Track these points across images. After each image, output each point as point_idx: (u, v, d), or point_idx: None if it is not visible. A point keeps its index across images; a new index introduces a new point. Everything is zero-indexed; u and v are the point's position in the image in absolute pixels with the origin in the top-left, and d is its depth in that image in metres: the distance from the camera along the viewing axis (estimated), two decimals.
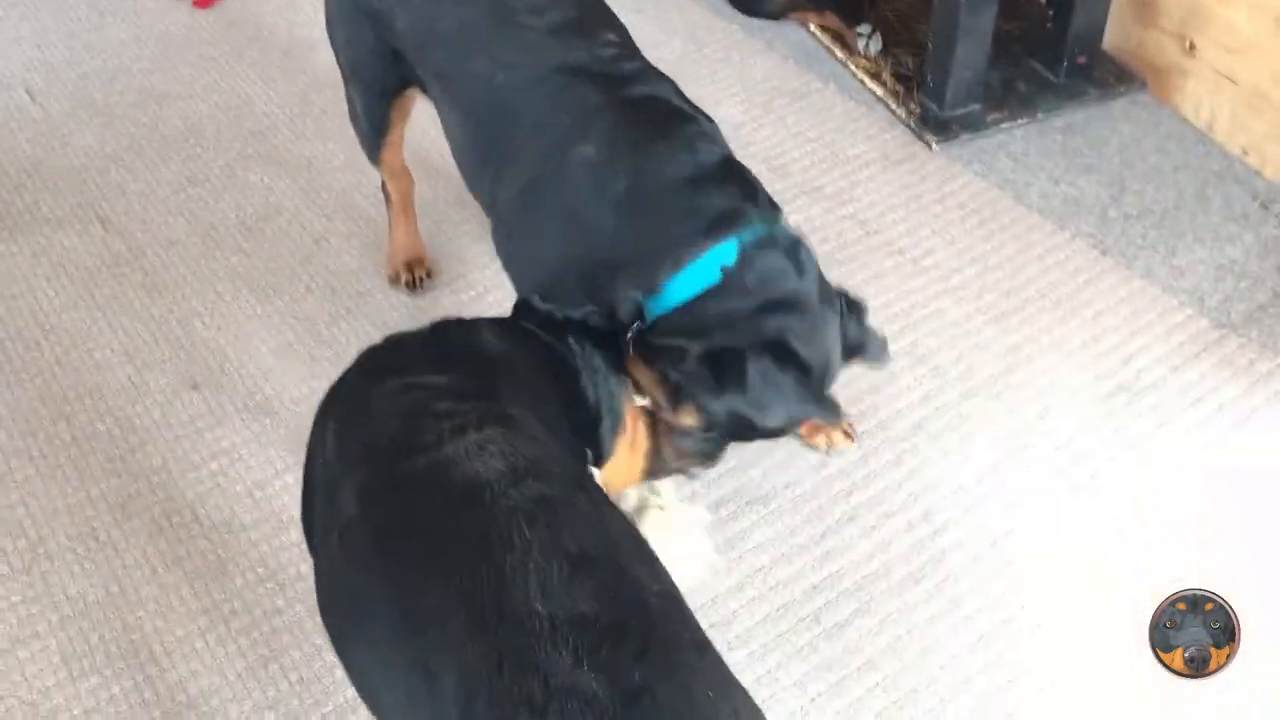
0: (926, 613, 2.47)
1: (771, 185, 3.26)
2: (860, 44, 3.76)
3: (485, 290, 3.04)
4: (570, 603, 1.47)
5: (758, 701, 2.30)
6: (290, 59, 3.81)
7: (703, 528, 2.26)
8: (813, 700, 2.35)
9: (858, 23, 3.78)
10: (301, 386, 2.87)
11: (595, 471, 2.02)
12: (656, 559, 1.66)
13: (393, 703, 1.60)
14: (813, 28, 3.89)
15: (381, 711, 1.66)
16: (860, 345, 2.27)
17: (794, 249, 2.17)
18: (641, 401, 2.14)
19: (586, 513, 1.65)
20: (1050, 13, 3.64)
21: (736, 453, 2.70)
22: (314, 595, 2.47)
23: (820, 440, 2.71)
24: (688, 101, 2.34)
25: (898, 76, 3.68)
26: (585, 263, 2.22)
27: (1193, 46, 3.46)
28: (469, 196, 2.55)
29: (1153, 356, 2.91)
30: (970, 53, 3.46)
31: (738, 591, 2.49)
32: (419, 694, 1.52)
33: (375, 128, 2.84)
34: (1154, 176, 3.38)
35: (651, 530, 2.11)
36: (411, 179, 2.99)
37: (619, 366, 2.11)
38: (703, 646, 1.54)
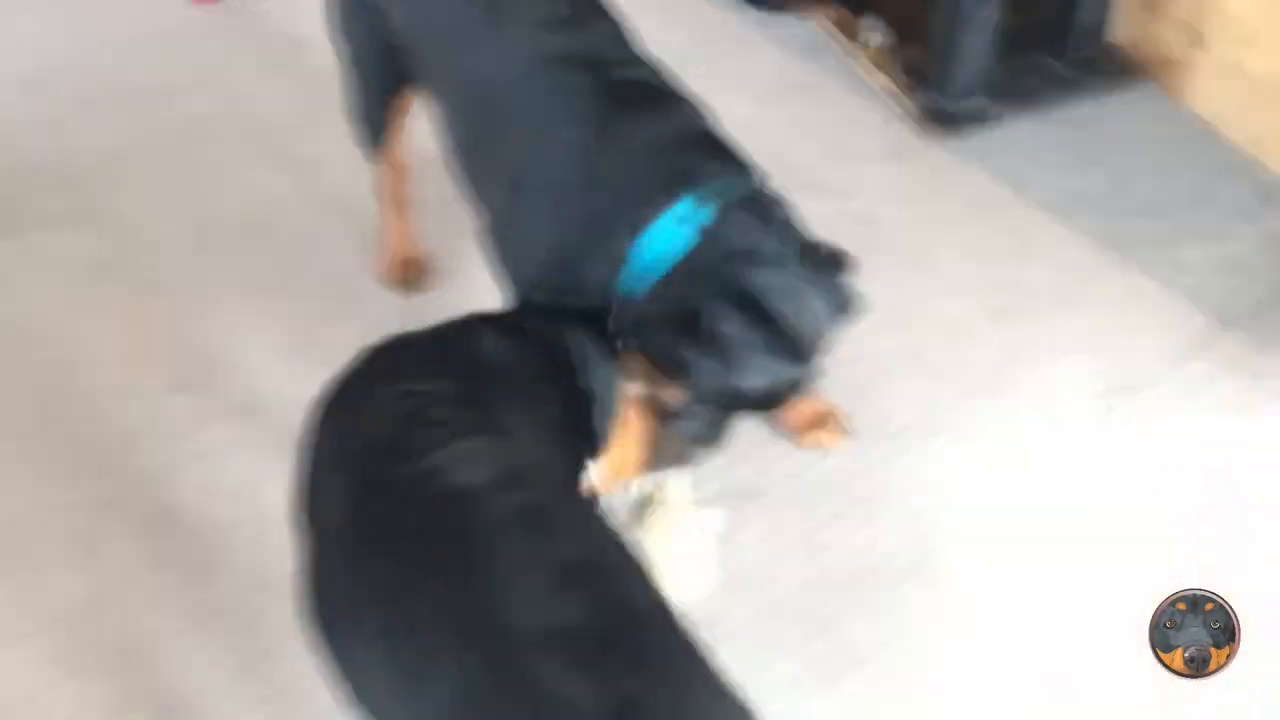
0: (919, 607, 2.47)
1: (775, 180, 3.27)
2: (864, 37, 3.74)
3: (480, 290, 3.02)
4: (558, 613, 1.47)
5: (749, 697, 2.31)
6: (289, 57, 3.80)
7: (711, 529, 2.24)
8: (805, 695, 2.35)
9: (862, 15, 3.76)
10: (295, 387, 2.84)
11: (593, 469, 2.01)
12: (644, 566, 1.65)
13: (382, 706, 1.60)
14: (817, 21, 3.87)
15: (371, 713, 1.65)
16: (848, 304, 2.20)
17: (759, 203, 2.13)
18: (634, 385, 2.11)
19: (572, 521, 1.66)
20: (1056, 6, 3.60)
21: (729, 449, 2.70)
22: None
23: (815, 436, 2.70)
24: (675, 84, 2.32)
25: (902, 70, 3.65)
26: (567, 249, 2.20)
27: (1200, 40, 3.43)
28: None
29: (1152, 352, 2.90)
30: (975, 46, 3.44)
31: (729, 587, 2.47)
32: (408, 703, 1.53)
33: (375, 125, 2.84)
34: (1158, 171, 3.36)
35: (653, 526, 2.10)
36: (408, 178, 2.98)
37: (613, 352, 2.10)
38: (694, 652, 1.54)
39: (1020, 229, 3.20)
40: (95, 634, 2.46)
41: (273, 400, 2.84)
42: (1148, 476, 2.67)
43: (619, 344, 2.10)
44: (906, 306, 3.00)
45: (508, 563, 1.52)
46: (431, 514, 1.62)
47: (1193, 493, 2.64)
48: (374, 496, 1.69)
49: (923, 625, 2.44)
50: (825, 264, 2.16)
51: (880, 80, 3.65)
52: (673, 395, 2.10)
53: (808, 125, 3.54)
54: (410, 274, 3.07)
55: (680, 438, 2.18)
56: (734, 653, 2.35)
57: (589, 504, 1.80)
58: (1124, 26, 3.65)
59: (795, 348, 2.10)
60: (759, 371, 2.09)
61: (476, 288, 3.02)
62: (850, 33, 3.78)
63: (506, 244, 2.38)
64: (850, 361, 2.85)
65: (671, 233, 2.08)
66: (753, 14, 3.92)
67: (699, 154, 2.16)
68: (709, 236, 2.07)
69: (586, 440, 2.00)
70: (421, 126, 2.79)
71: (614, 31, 2.37)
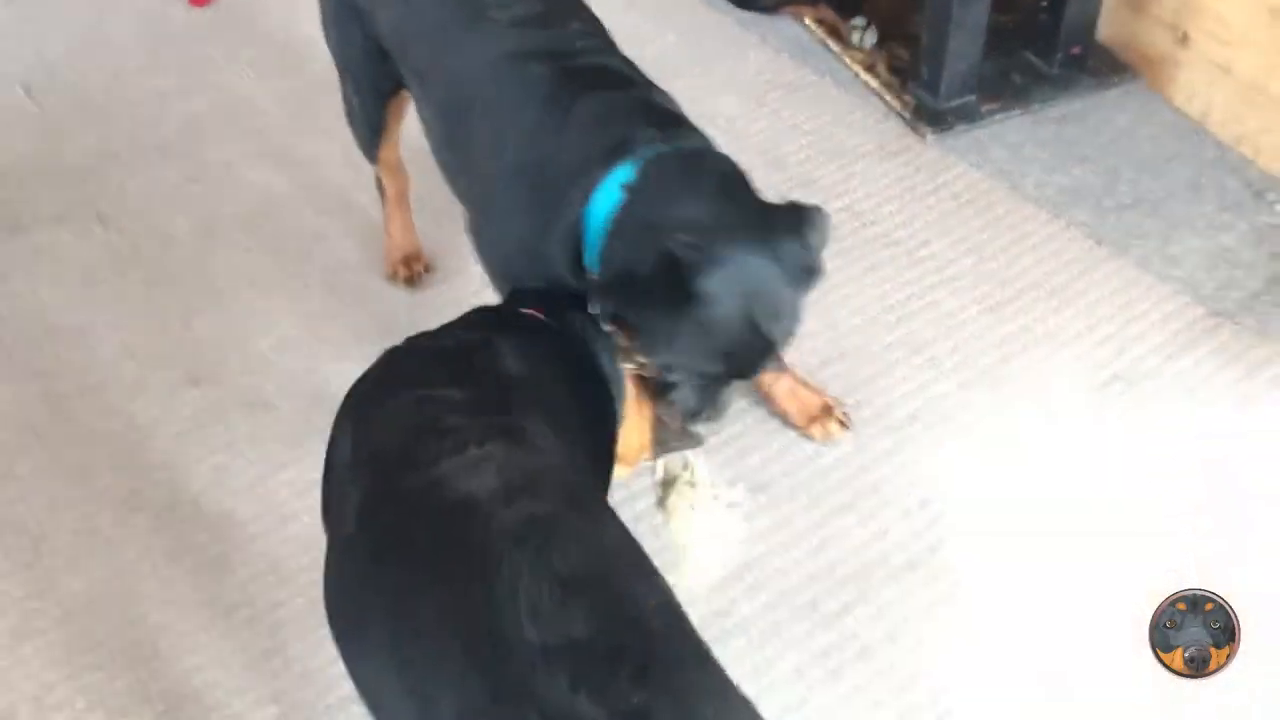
0: (923, 600, 2.48)
1: (768, 178, 3.30)
2: (855, 37, 3.77)
3: (481, 285, 3.04)
4: (563, 626, 1.45)
5: (755, 689, 2.31)
6: (288, 56, 3.81)
7: (736, 510, 2.22)
8: (810, 687, 2.36)
9: (852, 15, 3.79)
10: (301, 382, 2.88)
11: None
12: (654, 570, 1.64)
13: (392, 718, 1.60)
14: (807, 21, 3.89)
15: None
16: (811, 269, 2.10)
17: (695, 161, 2.12)
18: (625, 360, 2.12)
19: (580, 530, 1.63)
20: (1044, 4, 3.64)
21: (735, 441, 2.73)
22: (315, 588, 2.50)
23: (816, 430, 2.73)
24: (636, 71, 2.33)
25: (892, 69, 3.69)
26: (532, 234, 2.21)
27: (1186, 37, 3.47)
28: None
29: (1148, 345, 2.92)
30: (964, 44, 3.47)
31: (735, 579, 2.49)
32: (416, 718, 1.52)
33: (371, 128, 2.86)
34: (1148, 166, 3.39)
35: (676, 506, 2.11)
36: (407, 175, 3.00)
37: (602, 329, 2.11)
38: (703, 658, 1.53)
39: (1014, 224, 3.22)
40: (107, 628, 2.47)
41: (282, 395, 2.87)
42: (1145, 469, 2.69)
43: (599, 320, 2.11)
44: (904, 300, 3.04)
45: (513, 575, 1.49)
46: (438, 525, 1.61)
47: (1190, 485, 2.66)
48: (384, 506, 1.69)
49: (927, 619, 2.46)
50: (782, 222, 2.09)
51: (871, 79, 3.68)
52: (649, 364, 2.09)
53: (799, 124, 3.57)
54: (412, 270, 3.09)
55: (677, 413, 2.16)
56: (741, 645, 2.40)
57: (601, 508, 1.77)
58: (1111, 25, 3.68)
59: (741, 312, 2.02)
60: (676, 340, 2.04)
61: (477, 283, 3.04)
62: (840, 33, 3.80)
63: (483, 237, 2.41)
64: (850, 355, 2.90)
65: (610, 198, 2.09)
66: (744, 16, 3.95)
67: (638, 121, 2.16)
68: (631, 194, 2.07)
69: (610, 431, 2.01)
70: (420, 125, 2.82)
71: (584, 28, 2.38)
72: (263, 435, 2.79)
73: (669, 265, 1.97)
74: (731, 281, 1.99)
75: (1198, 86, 3.49)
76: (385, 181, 3.01)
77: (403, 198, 3.05)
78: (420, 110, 2.55)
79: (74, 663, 2.42)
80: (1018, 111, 3.56)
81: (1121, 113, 3.56)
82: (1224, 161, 3.39)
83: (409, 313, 3.02)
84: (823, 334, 2.93)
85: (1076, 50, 3.63)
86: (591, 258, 2.13)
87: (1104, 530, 2.59)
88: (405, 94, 2.69)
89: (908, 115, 3.55)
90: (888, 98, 3.62)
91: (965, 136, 3.50)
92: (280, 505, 2.65)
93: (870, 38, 3.76)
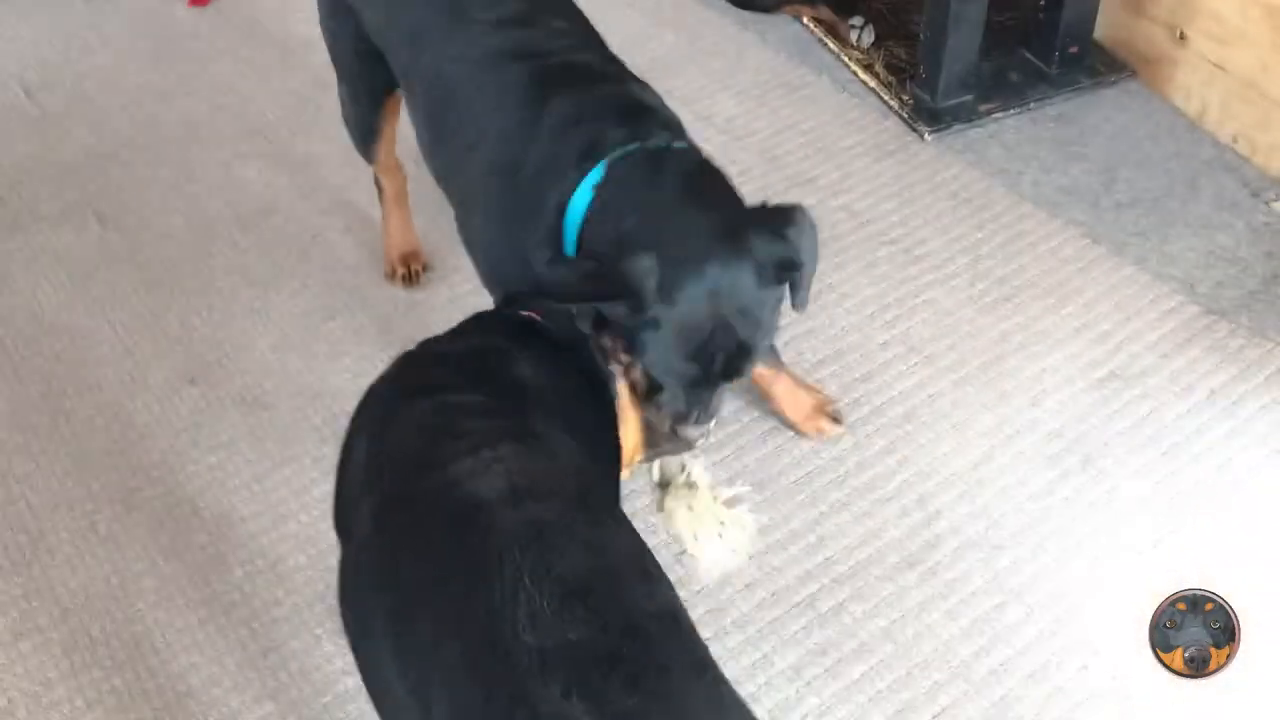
0: (920, 598, 2.49)
1: (766, 177, 3.31)
2: (853, 36, 3.78)
3: (479, 284, 3.05)
4: (560, 631, 1.45)
5: (753, 686, 2.34)
6: (286, 56, 3.82)
7: (741, 506, 2.20)
8: (807, 684, 2.37)
9: (850, 15, 3.80)
10: (299, 381, 2.89)
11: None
12: (660, 576, 1.64)
13: None
14: (805, 20, 3.90)
15: None
16: (789, 262, 2.04)
17: (658, 160, 2.09)
18: (614, 365, 2.10)
19: (584, 535, 1.63)
20: (1041, 3, 3.64)
21: (733, 440, 2.74)
22: (312, 587, 2.51)
23: (809, 427, 2.73)
24: (615, 64, 2.33)
25: (890, 68, 3.70)
26: (514, 239, 2.21)
27: (1183, 36, 3.48)
28: None
29: (1144, 343, 2.92)
30: (962, 44, 3.48)
31: (732, 577, 2.50)
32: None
33: (366, 129, 2.87)
34: (1145, 165, 3.40)
35: (674, 509, 2.11)
36: (405, 174, 3.01)
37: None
38: (701, 667, 1.53)
39: (1011, 222, 3.23)
40: (105, 626, 2.47)
41: (280, 393, 2.87)
42: (1140, 465, 2.70)
43: (579, 321, 2.07)
44: (901, 299, 3.04)
45: (514, 577, 1.49)
46: (445, 526, 1.61)
47: (1184, 480, 2.67)
48: (396, 509, 1.69)
49: (924, 616, 2.46)
50: (750, 219, 2.06)
51: (869, 79, 3.69)
52: (633, 367, 2.07)
53: (797, 123, 3.57)
54: (410, 268, 3.10)
55: (665, 416, 2.13)
56: (738, 642, 2.41)
57: (610, 512, 1.78)
58: (1108, 25, 3.69)
59: (676, 308, 1.98)
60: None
61: (475, 282, 3.04)
62: (839, 33, 3.81)
63: (471, 239, 2.41)
64: (847, 353, 2.91)
65: (583, 200, 2.08)
66: (743, 15, 3.95)
67: (609, 119, 2.15)
68: (598, 195, 2.07)
69: (615, 434, 2.00)
70: None
71: (564, 25, 2.38)
72: (261, 434, 2.79)
73: (624, 274, 1.94)
74: (692, 284, 1.96)
75: (1195, 85, 3.49)
76: (383, 180, 3.01)
77: (400, 196, 3.05)
78: (409, 111, 2.56)
79: (72, 660, 2.43)
80: (1015, 111, 3.57)
81: (1119, 112, 3.57)
82: (1221, 160, 3.40)
83: (407, 312, 3.03)
84: (820, 332, 2.94)
85: (1074, 49, 3.64)
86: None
87: (1103, 529, 2.60)
88: (399, 95, 2.70)
89: (906, 114, 3.56)
90: (886, 97, 3.62)
91: (963, 135, 3.51)
92: (278, 504, 2.66)
93: (868, 37, 3.76)
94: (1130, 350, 2.91)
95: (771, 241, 2.02)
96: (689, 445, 2.15)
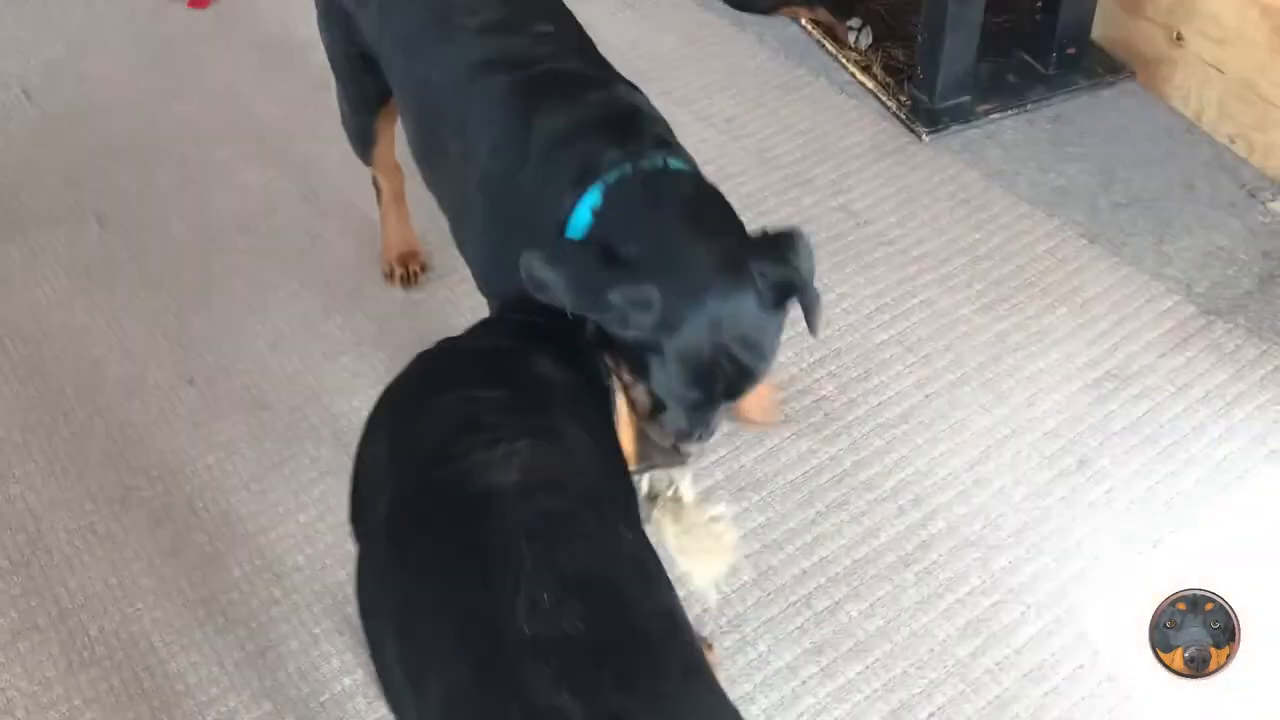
0: (916, 597, 2.49)
1: (764, 177, 3.32)
2: (851, 37, 3.78)
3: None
4: (557, 621, 1.45)
5: (749, 686, 2.35)
6: (285, 58, 3.82)
7: (721, 523, 2.21)
8: (803, 683, 2.37)
9: (848, 16, 3.80)
10: (297, 381, 2.89)
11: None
12: (661, 578, 1.64)
13: (401, 708, 1.61)
14: (804, 22, 3.91)
15: (395, 714, 1.66)
16: (789, 285, 2.01)
17: (653, 180, 2.06)
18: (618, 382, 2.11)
19: (592, 531, 1.63)
20: (1038, 4, 3.65)
21: (729, 440, 2.74)
22: (310, 585, 2.52)
23: (746, 421, 2.58)
24: (605, 70, 2.30)
25: (888, 69, 3.70)
26: (506, 253, 2.19)
27: (1180, 37, 3.48)
28: None
29: (1141, 343, 2.93)
30: (960, 45, 3.49)
31: (728, 577, 2.50)
32: (410, 703, 1.54)
33: (363, 134, 2.87)
34: (1142, 165, 3.40)
35: (662, 522, 2.11)
36: (403, 175, 3.00)
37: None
38: (693, 670, 1.53)
39: (1009, 223, 3.23)
40: (103, 625, 2.48)
41: (278, 394, 2.88)
42: (1136, 464, 2.70)
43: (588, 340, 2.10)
44: (898, 299, 3.05)
45: (517, 567, 1.50)
46: (456, 515, 1.61)
47: (1180, 480, 2.67)
48: (412, 498, 1.69)
49: (920, 616, 2.46)
50: (752, 246, 2.04)
51: (867, 80, 3.69)
52: (637, 386, 2.05)
53: (795, 124, 3.58)
54: (409, 269, 3.10)
55: (666, 433, 2.17)
56: (734, 642, 2.41)
57: (622, 512, 1.78)
58: (1105, 25, 3.70)
59: (677, 338, 1.95)
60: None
61: (474, 283, 3.06)
62: (837, 34, 3.82)
63: (464, 248, 2.40)
64: (844, 353, 2.91)
65: (582, 221, 2.06)
66: (741, 16, 3.95)
67: (604, 137, 2.11)
68: (598, 220, 2.04)
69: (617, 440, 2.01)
70: None
71: (549, 30, 2.35)
72: (259, 434, 2.80)
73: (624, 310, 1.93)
74: (694, 314, 1.94)
75: (1191, 86, 3.50)
76: (381, 181, 3.01)
77: (398, 197, 3.05)
78: (401, 119, 2.56)
79: (70, 659, 2.43)
80: (1013, 111, 3.58)
81: (1116, 112, 3.57)
82: (1218, 161, 3.40)
83: (405, 312, 3.03)
84: None
85: (1071, 50, 3.65)
86: None
87: (1101, 529, 2.60)
88: (394, 102, 2.70)
89: (903, 115, 3.57)
90: (884, 98, 3.63)
91: (960, 136, 3.51)
92: (276, 504, 2.66)
93: (866, 38, 3.77)
94: (1127, 350, 2.91)
95: (773, 266, 2.00)
96: (683, 460, 2.15)
